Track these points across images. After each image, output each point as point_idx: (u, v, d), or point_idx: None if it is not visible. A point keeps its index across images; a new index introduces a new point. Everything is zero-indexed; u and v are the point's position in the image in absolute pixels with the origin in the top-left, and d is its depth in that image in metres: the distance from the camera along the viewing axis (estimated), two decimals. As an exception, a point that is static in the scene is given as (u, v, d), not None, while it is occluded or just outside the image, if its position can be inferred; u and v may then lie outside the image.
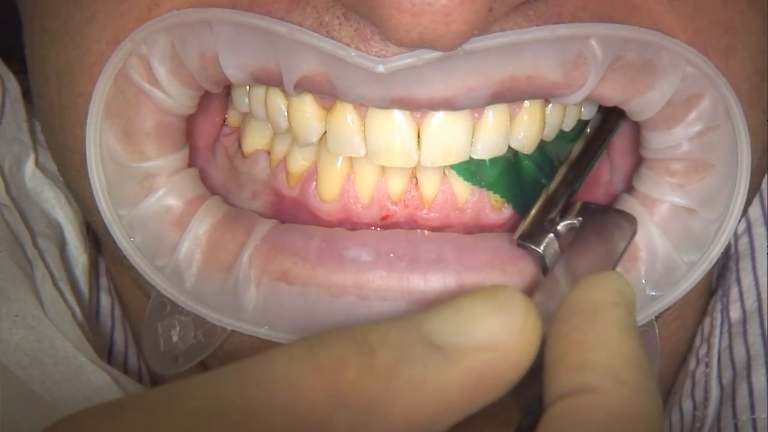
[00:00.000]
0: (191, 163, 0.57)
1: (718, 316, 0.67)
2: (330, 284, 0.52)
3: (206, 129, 0.61)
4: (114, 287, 0.69)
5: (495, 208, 0.59)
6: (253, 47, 0.50)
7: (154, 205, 0.54)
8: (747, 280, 0.67)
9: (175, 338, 0.55)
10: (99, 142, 0.53)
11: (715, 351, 0.66)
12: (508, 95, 0.50)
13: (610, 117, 0.60)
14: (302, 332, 0.52)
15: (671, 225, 0.53)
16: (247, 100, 0.59)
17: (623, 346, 0.41)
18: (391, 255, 0.53)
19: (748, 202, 0.55)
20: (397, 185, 0.58)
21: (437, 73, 0.49)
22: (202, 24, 0.50)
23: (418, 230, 0.56)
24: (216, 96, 0.59)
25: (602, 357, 0.40)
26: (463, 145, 0.56)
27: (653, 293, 0.53)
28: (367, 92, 0.50)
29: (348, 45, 0.48)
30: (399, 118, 0.54)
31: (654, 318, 0.54)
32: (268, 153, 0.62)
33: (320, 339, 0.39)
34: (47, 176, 0.65)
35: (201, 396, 0.37)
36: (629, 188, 0.56)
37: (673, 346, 0.67)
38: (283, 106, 0.57)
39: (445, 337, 0.40)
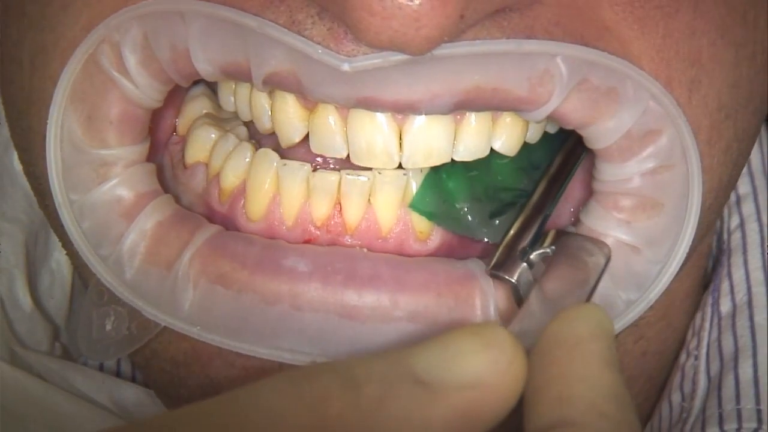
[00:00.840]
0: (150, 158, 0.57)
1: (708, 310, 0.67)
2: (265, 291, 0.53)
3: (165, 126, 0.62)
4: None
5: (419, 239, 0.58)
6: (223, 41, 0.51)
7: (106, 194, 0.54)
8: (738, 274, 0.67)
9: (108, 327, 0.56)
10: (61, 125, 0.54)
11: (704, 344, 0.66)
12: (472, 105, 0.51)
13: (579, 144, 0.59)
14: (234, 335, 0.53)
15: (613, 261, 0.53)
16: (233, 99, 0.60)
17: (604, 379, 0.40)
18: (328, 268, 0.53)
19: (699, 240, 0.55)
20: (320, 210, 0.57)
21: (403, 76, 0.49)
22: (175, 15, 0.51)
23: (357, 248, 0.57)
24: (177, 99, 0.60)
25: (583, 391, 0.40)
26: (445, 147, 0.56)
27: None
28: (333, 91, 0.51)
29: (318, 44, 0.48)
30: (381, 119, 0.54)
31: None
32: (207, 166, 0.61)
33: (305, 373, 0.39)
34: None
35: (184, 430, 0.37)
36: (576, 222, 0.57)
37: (659, 345, 0.66)
38: (267, 105, 0.58)
39: (430, 373, 0.39)
